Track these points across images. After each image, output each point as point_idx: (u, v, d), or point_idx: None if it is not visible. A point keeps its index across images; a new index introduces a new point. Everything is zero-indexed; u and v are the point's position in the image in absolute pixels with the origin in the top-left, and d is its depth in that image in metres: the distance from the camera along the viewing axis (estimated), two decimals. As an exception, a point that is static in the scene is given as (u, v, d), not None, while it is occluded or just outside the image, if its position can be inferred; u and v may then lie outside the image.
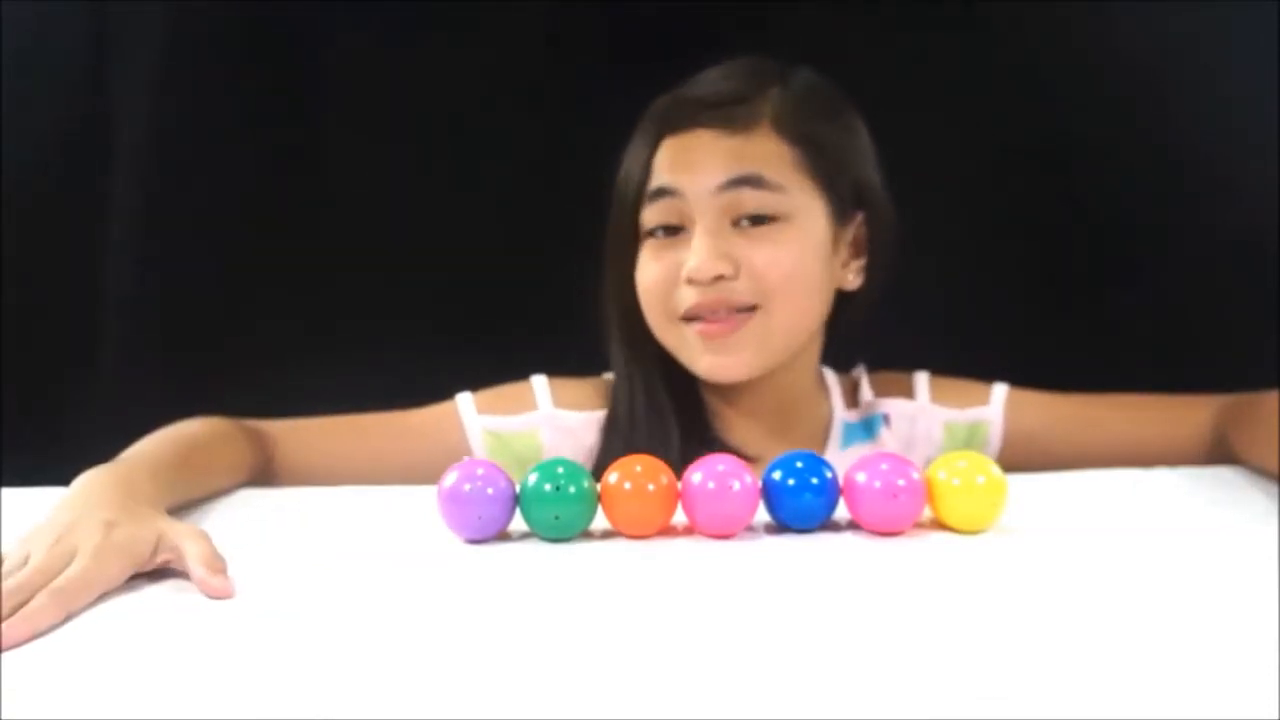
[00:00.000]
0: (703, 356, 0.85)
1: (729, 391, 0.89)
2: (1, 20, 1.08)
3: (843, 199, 0.87)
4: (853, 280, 0.89)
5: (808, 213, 0.85)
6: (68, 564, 0.56)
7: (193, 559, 0.59)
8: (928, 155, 1.06)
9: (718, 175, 0.83)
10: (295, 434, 0.88)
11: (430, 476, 0.77)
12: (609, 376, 0.93)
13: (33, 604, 0.53)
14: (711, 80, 0.87)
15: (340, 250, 1.12)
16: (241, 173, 1.12)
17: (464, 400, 0.91)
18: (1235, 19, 1.08)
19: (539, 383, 0.92)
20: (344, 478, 0.84)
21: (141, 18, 1.10)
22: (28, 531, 0.60)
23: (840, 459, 0.90)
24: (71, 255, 1.12)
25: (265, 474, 0.85)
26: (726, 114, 0.84)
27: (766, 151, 0.84)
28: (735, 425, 0.90)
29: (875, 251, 0.90)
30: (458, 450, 0.89)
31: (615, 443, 0.88)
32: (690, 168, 0.84)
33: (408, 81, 1.11)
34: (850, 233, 0.89)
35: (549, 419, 0.91)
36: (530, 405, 0.91)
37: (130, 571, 0.59)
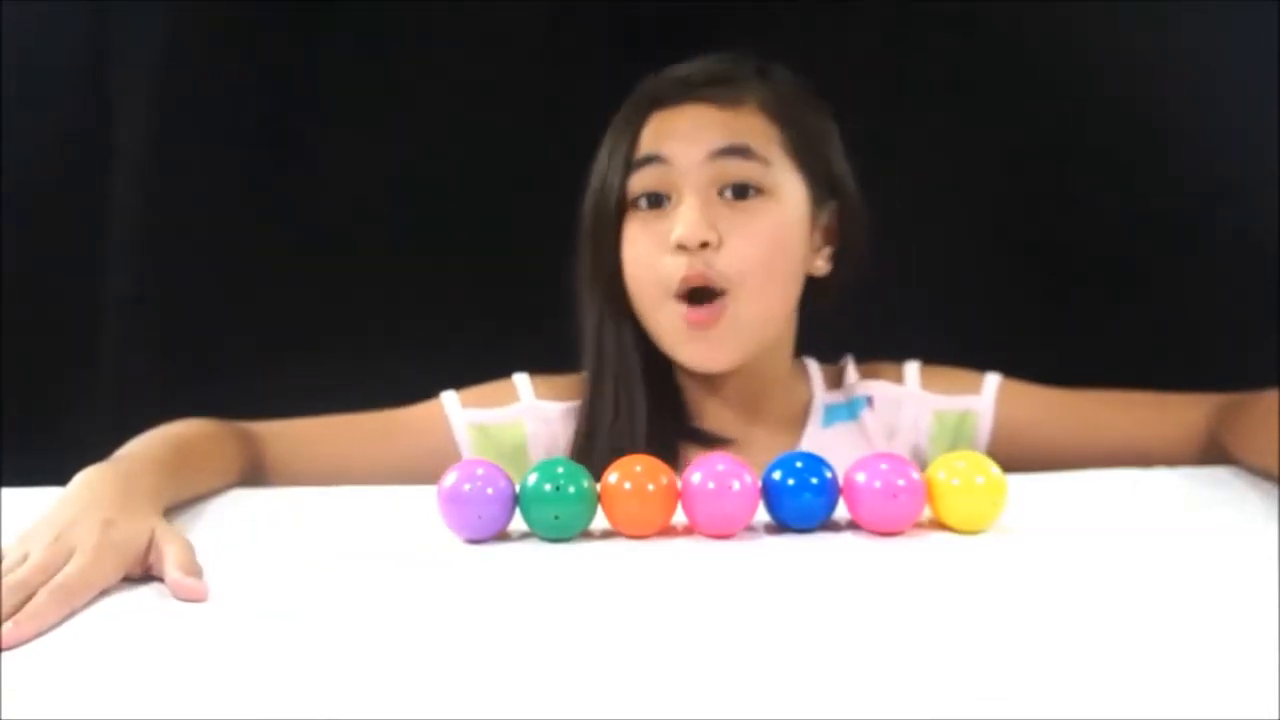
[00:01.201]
0: (686, 345, 0.86)
1: (704, 377, 0.90)
2: (1, 20, 1.08)
3: (820, 184, 0.89)
4: (821, 266, 0.91)
5: (789, 190, 0.87)
6: (66, 562, 0.57)
7: (169, 562, 0.59)
8: (928, 155, 1.06)
9: (708, 144, 0.85)
10: (284, 435, 0.88)
11: (420, 475, 0.78)
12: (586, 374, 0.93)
13: (33, 602, 0.54)
14: (696, 64, 0.89)
15: (340, 250, 1.12)
16: (241, 173, 1.12)
17: (448, 397, 0.92)
18: (1235, 19, 1.08)
19: (520, 378, 0.93)
20: (335, 478, 0.84)
21: (141, 18, 1.10)
22: (27, 529, 0.60)
23: (822, 438, 0.91)
24: (71, 255, 1.12)
25: (255, 475, 0.85)
26: (716, 91, 0.86)
27: (754, 126, 0.86)
28: (710, 410, 0.91)
29: (846, 241, 0.91)
30: (445, 447, 0.90)
31: (588, 428, 0.89)
32: (681, 136, 0.86)
33: (408, 81, 1.11)
34: (824, 219, 0.90)
35: (531, 410, 0.92)
36: (513, 398, 0.92)
37: (125, 570, 0.59)
